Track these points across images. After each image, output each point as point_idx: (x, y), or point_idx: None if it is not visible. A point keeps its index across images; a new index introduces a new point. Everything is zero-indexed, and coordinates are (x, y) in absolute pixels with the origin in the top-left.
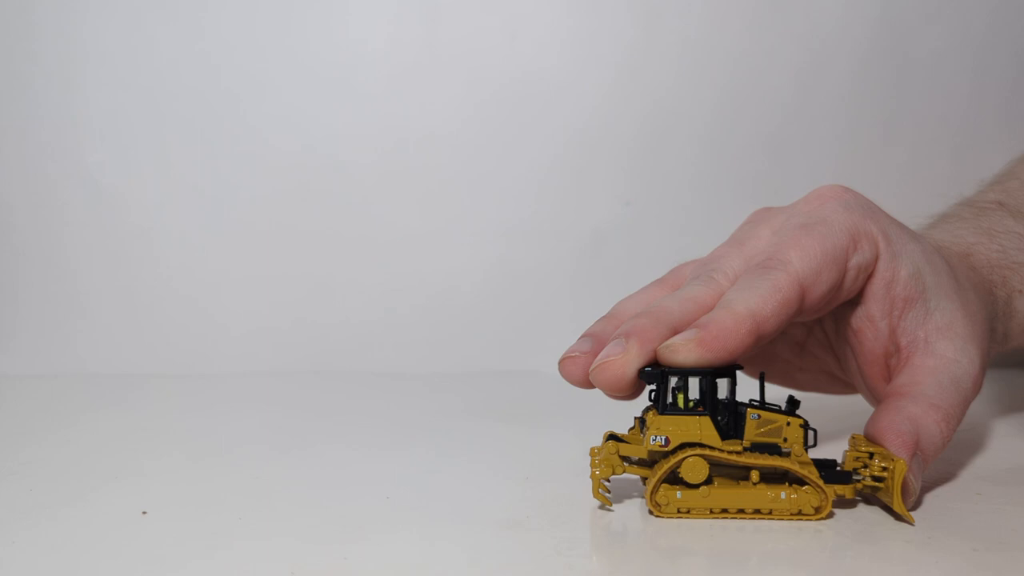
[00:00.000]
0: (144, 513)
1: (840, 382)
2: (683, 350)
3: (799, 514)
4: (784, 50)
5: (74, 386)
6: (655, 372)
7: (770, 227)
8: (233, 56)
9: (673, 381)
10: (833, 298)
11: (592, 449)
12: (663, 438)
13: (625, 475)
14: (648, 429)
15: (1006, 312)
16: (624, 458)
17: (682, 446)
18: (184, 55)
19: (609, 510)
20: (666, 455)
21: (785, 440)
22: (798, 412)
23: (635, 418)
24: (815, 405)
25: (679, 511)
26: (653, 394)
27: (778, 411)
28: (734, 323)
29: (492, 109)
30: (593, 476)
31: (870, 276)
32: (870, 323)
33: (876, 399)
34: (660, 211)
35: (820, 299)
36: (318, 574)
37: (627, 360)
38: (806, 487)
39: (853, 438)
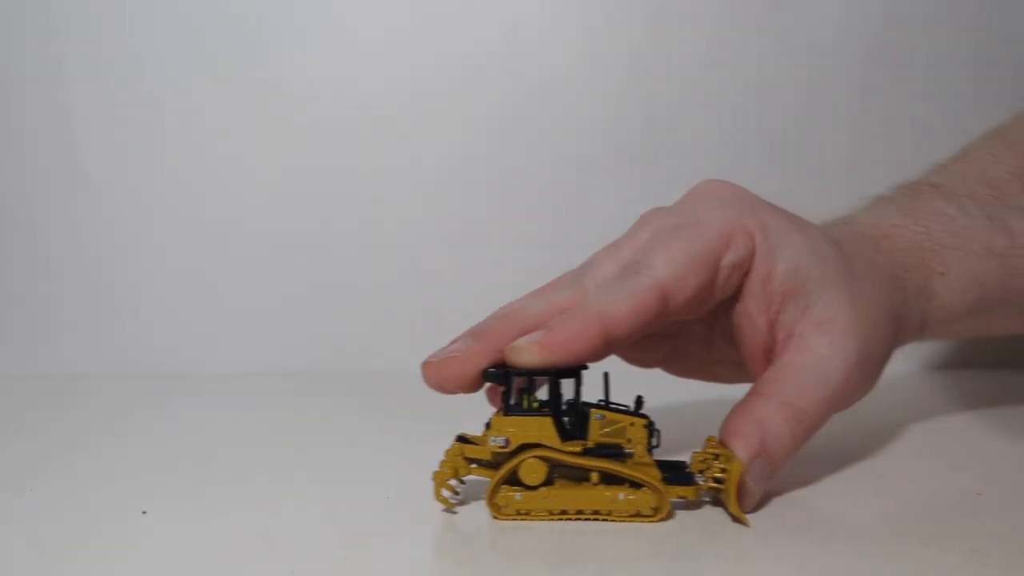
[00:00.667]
0: (144, 513)
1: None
2: (525, 352)
3: (637, 515)
4: (788, 53)
5: (73, 386)
6: (499, 372)
7: (651, 229)
8: (228, 53)
9: (517, 383)
10: (707, 298)
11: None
12: (503, 439)
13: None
14: (490, 430)
15: (922, 295)
16: (471, 460)
17: (523, 447)
18: (177, 51)
19: (452, 512)
20: (508, 456)
21: (629, 440)
22: (644, 412)
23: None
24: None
25: (518, 512)
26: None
27: (625, 411)
28: (581, 326)
29: (494, 110)
30: (435, 477)
31: (747, 272)
32: (748, 319)
33: None
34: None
35: (688, 301)
36: (318, 574)
37: (467, 358)
38: (644, 488)
39: (708, 439)
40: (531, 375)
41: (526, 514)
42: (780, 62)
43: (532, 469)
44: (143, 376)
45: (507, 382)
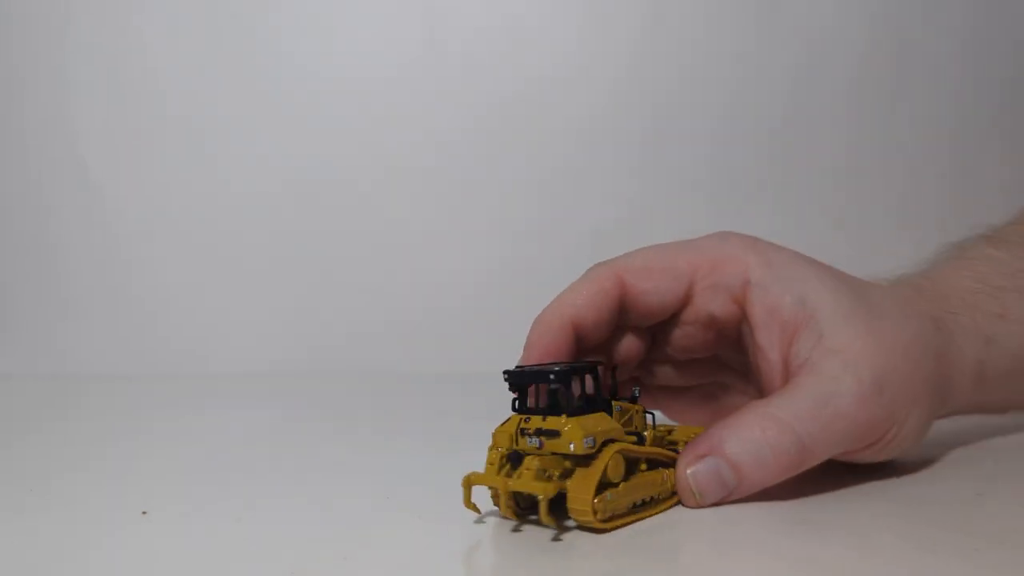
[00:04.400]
0: (144, 513)
1: None
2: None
3: (673, 495)
4: (784, 52)
5: (74, 387)
6: (515, 374)
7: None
8: (232, 57)
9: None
10: (689, 310)
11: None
12: (591, 439)
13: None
14: (564, 434)
15: (979, 338)
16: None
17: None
18: (181, 55)
19: (481, 519)
20: (588, 458)
21: (635, 427)
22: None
23: (500, 453)
24: None
25: (614, 515)
26: (517, 402)
27: (627, 400)
28: (551, 316)
29: (493, 111)
30: (502, 489)
31: (746, 303)
32: (762, 355)
33: None
34: (660, 211)
35: (649, 296)
36: (318, 574)
37: None
38: (671, 468)
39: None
40: (566, 376)
41: (622, 516)
42: (778, 63)
43: (617, 464)
44: (143, 376)
45: (566, 382)
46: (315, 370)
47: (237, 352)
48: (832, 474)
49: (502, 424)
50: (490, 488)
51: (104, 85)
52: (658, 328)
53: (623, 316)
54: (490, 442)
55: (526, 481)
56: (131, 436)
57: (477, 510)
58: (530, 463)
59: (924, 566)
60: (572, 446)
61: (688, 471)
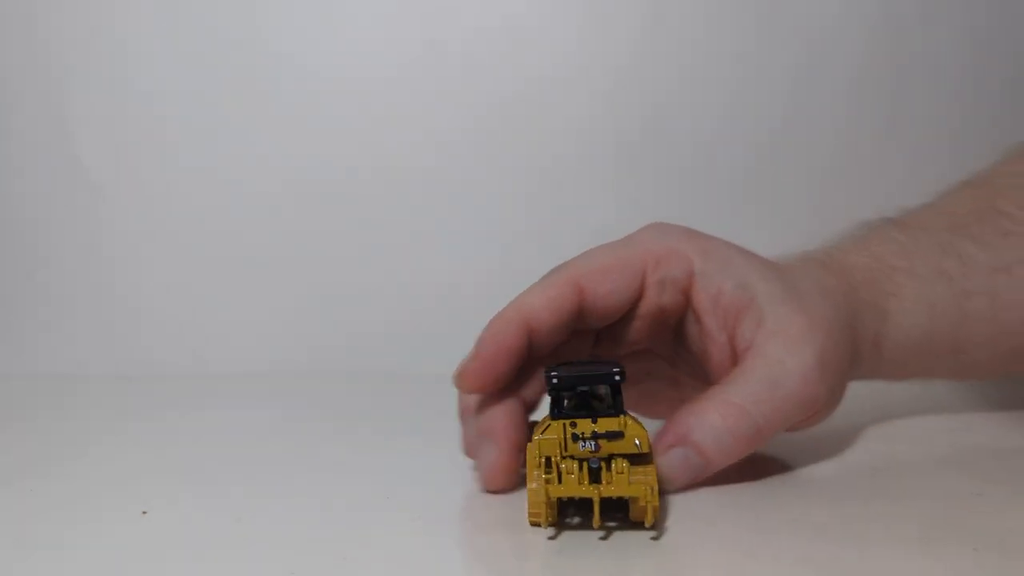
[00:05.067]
0: (144, 513)
1: None
2: (458, 377)
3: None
4: (783, 52)
5: (73, 386)
6: (617, 372)
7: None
8: (232, 56)
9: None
10: (642, 306)
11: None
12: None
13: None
14: (628, 434)
15: (876, 314)
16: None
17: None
18: (181, 54)
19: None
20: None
21: None
22: None
23: (543, 459)
24: None
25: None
26: (556, 409)
27: None
28: (502, 322)
29: (493, 111)
30: (595, 497)
31: (692, 292)
32: (710, 339)
33: None
34: (661, 211)
35: (608, 296)
36: (318, 574)
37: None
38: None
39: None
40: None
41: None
42: (777, 63)
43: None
44: (143, 376)
45: (619, 382)
46: (315, 370)
47: (237, 352)
48: (830, 473)
49: (541, 432)
50: (540, 499)
51: (102, 84)
52: (609, 326)
53: (578, 320)
54: (527, 455)
55: (621, 486)
56: (131, 436)
57: (554, 524)
58: (619, 466)
59: (922, 566)
60: (638, 443)
61: (661, 460)
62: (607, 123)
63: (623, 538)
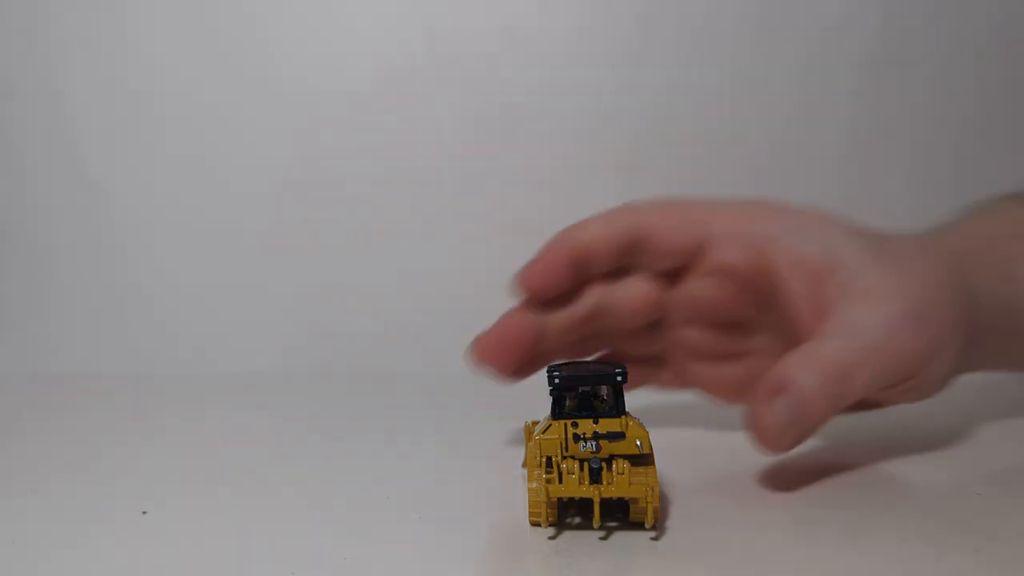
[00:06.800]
0: (144, 513)
1: None
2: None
3: None
4: (785, 52)
5: (73, 386)
6: (619, 373)
7: None
8: (230, 55)
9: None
10: (707, 260)
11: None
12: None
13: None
14: (629, 435)
15: (1002, 276)
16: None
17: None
18: (180, 54)
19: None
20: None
21: None
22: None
23: (544, 458)
24: None
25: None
26: (558, 408)
27: None
28: (555, 245)
29: (491, 110)
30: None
31: (773, 255)
32: (793, 305)
33: None
34: None
35: (664, 234)
36: (318, 574)
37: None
38: None
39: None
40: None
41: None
42: (779, 63)
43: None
44: (143, 376)
45: (621, 382)
46: (315, 370)
47: (237, 352)
48: (830, 473)
49: (542, 432)
50: (540, 499)
51: (103, 83)
52: (674, 283)
53: (635, 256)
54: (527, 454)
55: (621, 487)
56: (131, 436)
57: (554, 524)
58: (620, 467)
59: (923, 566)
60: (639, 443)
61: (767, 416)
62: (609, 123)
63: (623, 538)
